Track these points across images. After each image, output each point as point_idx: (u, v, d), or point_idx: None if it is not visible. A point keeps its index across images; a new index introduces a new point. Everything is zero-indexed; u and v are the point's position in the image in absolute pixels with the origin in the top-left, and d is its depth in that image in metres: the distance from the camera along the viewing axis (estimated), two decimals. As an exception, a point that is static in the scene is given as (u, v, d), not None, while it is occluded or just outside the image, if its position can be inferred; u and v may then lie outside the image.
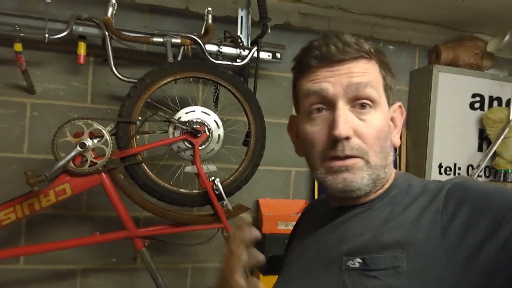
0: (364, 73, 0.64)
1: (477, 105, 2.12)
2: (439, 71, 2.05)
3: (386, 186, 0.69)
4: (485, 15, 2.01)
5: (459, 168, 2.08)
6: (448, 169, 2.06)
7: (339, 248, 0.65)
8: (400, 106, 0.72)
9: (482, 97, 2.13)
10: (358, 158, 0.63)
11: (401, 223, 0.61)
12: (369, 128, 0.64)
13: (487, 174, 2.15)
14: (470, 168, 2.10)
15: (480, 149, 2.13)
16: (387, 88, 0.68)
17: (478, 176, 2.04)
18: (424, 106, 2.05)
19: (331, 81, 0.64)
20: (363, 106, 0.64)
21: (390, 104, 0.69)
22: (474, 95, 2.12)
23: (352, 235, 0.65)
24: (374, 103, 0.64)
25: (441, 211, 0.59)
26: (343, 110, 0.63)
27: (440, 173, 2.04)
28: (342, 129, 0.61)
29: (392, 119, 0.71)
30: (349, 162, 0.63)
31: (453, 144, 2.08)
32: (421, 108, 2.06)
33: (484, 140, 2.13)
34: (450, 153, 2.07)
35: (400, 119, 0.71)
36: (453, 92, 2.07)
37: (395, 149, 0.76)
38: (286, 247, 0.89)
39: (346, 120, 0.62)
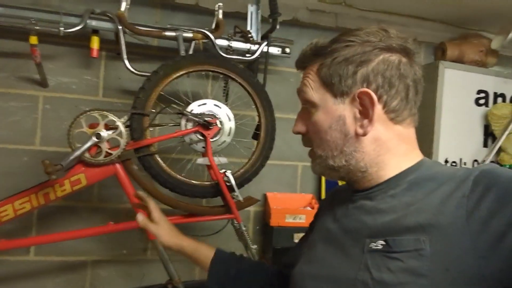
0: (304, 78, 0.75)
1: (482, 101, 2.15)
2: (445, 67, 2.07)
3: (392, 169, 0.70)
4: (489, 13, 2.04)
5: (465, 163, 2.11)
6: (453, 164, 2.09)
7: (361, 231, 0.68)
8: (362, 93, 0.68)
9: (486, 93, 2.15)
10: (312, 149, 0.76)
11: (425, 206, 0.62)
12: (310, 125, 0.74)
13: (492, 170, 2.18)
14: (476, 163, 2.12)
15: (485, 144, 2.15)
16: (327, 84, 0.71)
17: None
18: (430, 102, 2.08)
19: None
20: (306, 106, 0.75)
21: (339, 95, 0.70)
22: (479, 91, 2.14)
23: (373, 218, 0.67)
24: (311, 104, 0.73)
25: (468, 196, 0.59)
26: (301, 111, 0.77)
27: (446, 168, 2.07)
28: (294, 127, 0.77)
29: (361, 107, 0.69)
30: (309, 152, 0.77)
31: (458, 140, 2.10)
32: (427, 104, 2.09)
33: (489, 135, 2.15)
34: (455, 149, 2.09)
35: (371, 108, 0.68)
36: (458, 88, 2.10)
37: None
38: (308, 229, 0.92)
39: (299, 119, 0.77)
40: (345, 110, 0.70)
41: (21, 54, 1.70)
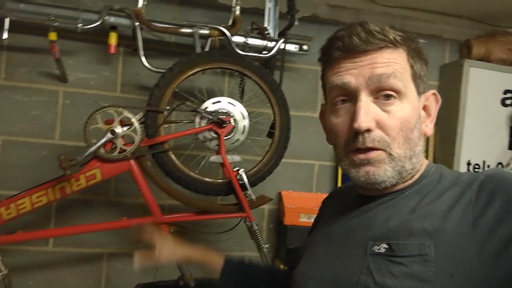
0: (388, 63, 0.63)
1: (508, 101, 2.06)
2: (470, 66, 2.00)
3: (416, 176, 0.69)
4: (519, 9, 1.95)
5: (488, 166, 2.03)
6: (476, 166, 2.01)
7: (365, 233, 0.66)
8: (434, 94, 0.71)
9: (514, 93, 2.06)
10: (380, 150, 0.63)
11: (431, 212, 0.61)
12: (393, 120, 0.63)
13: (517, 173, 2.09)
14: (500, 166, 2.04)
15: (510, 147, 2.06)
16: (415, 77, 0.66)
17: (508, 174, 1.98)
18: (454, 102, 2.01)
19: (353, 73, 0.64)
20: (387, 97, 0.63)
21: (420, 92, 0.68)
22: (506, 91, 2.05)
23: (378, 221, 0.66)
24: (399, 93, 0.63)
25: (474, 201, 0.58)
26: (365, 102, 0.63)
27: (468, 170, 2.00)
28: (362, 121, 0.61)
29: (425, 108, 0.70)
30: (371, 155, 0.63)
31: (482, 141, 2.02)
32: (451, 104, 2.02)
33: (515, 137, 2.07)
34: (479, 150, 2.02)
35: (435, 107, 0.70)
36: (484, 87, 2.02)
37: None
38: (310, 229, 0.91)
39: (367, 112, 0.62)
40: (420, 108, 0.68)
41: (42, 50, 1.74)
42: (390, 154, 0.63)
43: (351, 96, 0.65)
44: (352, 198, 0.75)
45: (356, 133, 0.63)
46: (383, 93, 0.63)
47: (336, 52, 0.66)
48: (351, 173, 0.67)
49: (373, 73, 0.62)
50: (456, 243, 0.57)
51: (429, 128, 0.70)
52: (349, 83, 0.64)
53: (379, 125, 0.63)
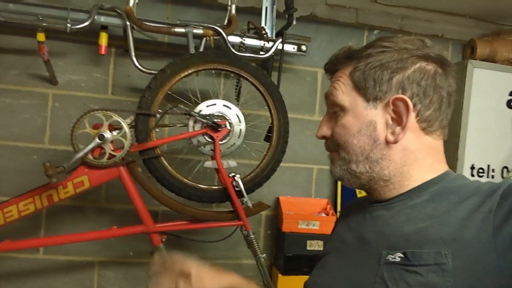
0: (336, 81, 0.72)
1: (514, 103, 2.00)
2: (474, 67, 1.93)
3: (417, 180, 0.68)
4: (526, 7, 1.88)
5: (493, 170, 1.96)
6: (480, 170, 1.95)
7: (377, 242, 0.66)
8: (398, 99, 0.66)
9: (520, 95, 1.99)
10: (334, 152, 0.73)
11: (448, 220, 0.59)
12: (336, 128, 0.72)
13: (523, 177, 2.03)
14: (505, 170, 1.97)
15: (516, 150, 2.00)
16: (359, 88, 0.69)
17: (514, 179, 1.93)
18: (457, 104, 1.93)
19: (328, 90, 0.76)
20: (334, 110, 0.73)
21: (372, 100, 0.68)
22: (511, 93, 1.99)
23: (391, 229, 0.65)
24: (340, 106, 0.71)
25: (495, 210, 0.56)
26: (326, 115, 0.76)
27: (472, 174, 1.93)
28: (318, 131, 0.75)
29: (395, 114, 0.67)
30: (330, 155, 0.76)
31: (487, 145, 1.95)
32: (454, 106, 1.95)
33: (521, 141, 2.00)
34: (483, 154, 1.95)
35: (405, 113, 0.66)
36: (489, 89, 1.95)
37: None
38: (327, 240, 0.91)
39: (322, 124, 0.75)
40: (377, 115, 0.68)
41: (32, 51, 1.68)
42: (339, 156, 0.72)
43: None
44: (364, 207, 0.75)
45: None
46: (331, 107, 0.74)
47: (326, 71, 0.78)
48: None
49: (326, 93, 0.75)
50: (475, 252, 0.54)
51: (396, 135, 0.67)
52: (325, 97, 0.77)
53: (332, 133, 0.73)
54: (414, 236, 0.61)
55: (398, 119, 0.67)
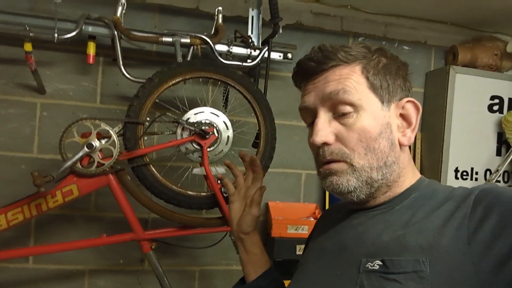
0: (339, 80, 0.66)
1: (496, 107, 2.05)
2: (456, 72, 1.99)
3: (404, 186, 0.68)
4: (505, 15, 1.94)
5: (476, 173, 2.01)
6: (464, 173, 2.00)
7: (357, 250, 0.65)
8: (410, 102, 0.69)
9: (501, 99, 2.05)
10: (342, 162, 0.66)
11: (425, 227, 0.60)
12: (350, 132, 0.65)
13: (506, 179, 2.07)
14: (488, 173, 2.02)
15: (498, 153, 2.05)
16: (375, 87, 0.67)
17: (497, 181, 1.97)
18: (440, 109, 1.99)
19: (311, 94, 0.69)
20: (343, 111, 0.66)
21: (386, 101, 0.67)
22: (492, 97, 2.04)
23: (371, 237, 0.65)
24: (353, 106, 0.65)
25: (469, 216, 0.57)
26: (323, 118, 0.67)
27: (456, 177, 1.98)
28: (317, 136, 0.66)
29: (403, 117, 0.69)
30: (332, 166, 0.66)
31: (470, 148, 2.01)
32: (437, 111, 2.00)
33: (503, 143, 2.05)
34: (467, 157, 2.00)
35: (415, 116, 0.68)
36: (470, 94, 2.01)
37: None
38: (304, 248, 0.90)
39: (323, 127, 0.66)
40: (391, 117, 0.67)
41: (19, 61, 1.68)
42: (352, 165, 0.65)
43: (314, 115, 0.69)
44: (343, 214, 0.74)
45: (318, 148, 0.67)
46: (338, 108, 0.66)
47: (298, 78, 0.72)
48: (322, 184, 0.70)
49: (325, 91, 0.66)
50: (452, 259, 0.55)
51: (407, 137, 0.68)
52: (308, 103, 0.69)
53: (338, 138, 0.66)
54: (392, 244, 0.61)
55: (407, 121, 0.68)
